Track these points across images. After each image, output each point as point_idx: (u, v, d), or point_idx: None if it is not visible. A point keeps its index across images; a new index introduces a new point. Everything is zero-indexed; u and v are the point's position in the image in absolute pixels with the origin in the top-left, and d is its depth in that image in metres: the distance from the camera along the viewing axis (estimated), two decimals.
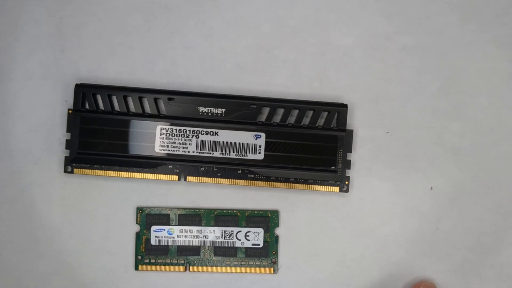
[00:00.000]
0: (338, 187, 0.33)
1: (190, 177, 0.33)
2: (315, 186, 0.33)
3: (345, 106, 0.33)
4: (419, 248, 0.34)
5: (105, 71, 0.33)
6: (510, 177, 0.34)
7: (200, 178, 0.33)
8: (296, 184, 0.33)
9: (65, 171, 0.32)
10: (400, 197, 0.34)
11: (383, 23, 0.34)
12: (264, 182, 0.33)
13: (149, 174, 0.33)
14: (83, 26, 0.33)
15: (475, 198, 0.34)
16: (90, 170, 0.32)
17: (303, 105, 0.32)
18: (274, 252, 0.33)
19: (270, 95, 0.33)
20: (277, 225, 0.33)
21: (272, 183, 0.33)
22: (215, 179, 0.33)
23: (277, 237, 0.33)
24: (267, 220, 0.33)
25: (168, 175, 0.33)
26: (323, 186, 0.33)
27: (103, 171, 0.33)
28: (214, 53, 0.33)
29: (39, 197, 0.33)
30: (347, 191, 0.33)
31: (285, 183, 0.33)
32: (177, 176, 0.33)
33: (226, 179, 0.33)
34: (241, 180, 0.33)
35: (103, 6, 0.33)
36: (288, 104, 0.32)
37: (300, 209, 0.34)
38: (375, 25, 0.34)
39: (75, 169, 0.32)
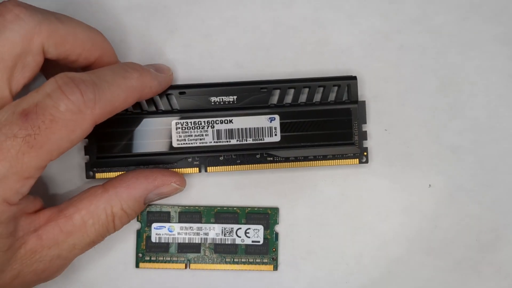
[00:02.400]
0: (357, 159, 0.33)
1: (210, 167, 0.33)
2: (334, 161, 0.33)
3: (355, 78, 0.33)
4: (418, 245, 0.34)
5: None
6: (508, 175, 0.34)
7: (220, 167, 0.33)
8: (315, 162, 0.33)
9: (87, 177, 0.32)
10: (398, 194, 0.34)
11: (382, 22, 0.34)
12: (283, 163, 0.33)
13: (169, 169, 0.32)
14: None
15: (473, 196, 0.34)
16: (111, 173, 0.32)
17: (313, 83, 0.32)
18: (274, 249, 0.34)
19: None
20: (276, 222, 0.34)
21: (292, 163, 0.33)
22: (235, 166, 0.33)
23: (277, 234, 0.34)
24: (266, 217, 0.34)
25: (189, 168, 0.33)
26: (342, 160, 0.33)
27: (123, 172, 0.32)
28: (213, 52, 0.34)
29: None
30: (366, 162, 0.33)
31: (305, 162, 0.33)
32: (197, 168, 0.33)
33: (246, 165, 0.33)
34: (261, 164, 0.33)
35: (103, 6, 0.34)
36: (298, 83, 0.32)
37: (300, 206, 0.34)
38: (373, 24, 0.34)
39: (96, 174, 0.32)
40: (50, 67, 0.30)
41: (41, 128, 0.25)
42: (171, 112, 0.32)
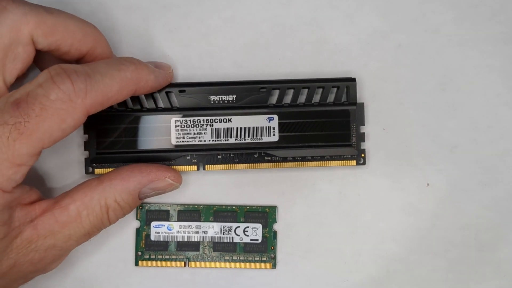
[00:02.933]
0: (355, 161, 0.33)
1: (208, 165, 0.33)
2: (332, 162, 0.33)
3: (354, 80, 0.33)
4: (416, 244, 0.34)
5: None
6: (506, 174, 0.34)
7: (218, 165, 0.33)
8: (313, 162, 0.33)
9: (86, 172, 0.33)
10: (397, 193, 0.34)
11: (380, 21, 0.34)
12: (281, 163, 0.33)
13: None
14: None
15: (471, 195, 0.34)
16: (110, 169, 0.32)
17: (312, 84, 0.33)
18: (272, 248, 0.34)
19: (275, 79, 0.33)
20: (275, 220, 0.34)
21: (289, 163, 0.33)
22: (233, 165, 0.33)
23: (275, 233, 0.34)
24: (265, 215, 0.34)
25: (187, 166, 0.33)
26: (340, 161, 0.33)
27: None
28: (212, 51, 0.34)
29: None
30: (364, 163, 0.33)
31: (302, 162, 0.33)
32: (196, 166, 0.33)
33: (243, 164, 0.33)
34: (258, 164, 0.33)
35: (102, 5, 0.34)
36: (297, 84, 0.33)
37: (298, 205, 0.34)
38: (371, 23, 0.34)
39: (95, 169, 0.33)
40: (45, 61, 0.31)
41: (31, 116, 0.25)
42: (170, 110, 0.33)
